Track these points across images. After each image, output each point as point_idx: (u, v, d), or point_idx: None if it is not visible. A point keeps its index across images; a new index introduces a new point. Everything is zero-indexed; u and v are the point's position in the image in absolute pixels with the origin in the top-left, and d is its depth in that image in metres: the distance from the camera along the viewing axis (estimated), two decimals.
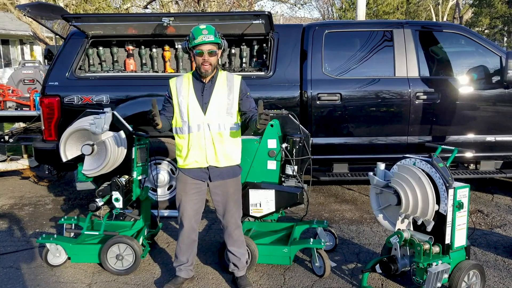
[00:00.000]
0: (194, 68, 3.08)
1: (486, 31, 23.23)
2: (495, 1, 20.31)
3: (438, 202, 2.86)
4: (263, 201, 3.45)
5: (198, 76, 3.02)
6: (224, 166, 3.03)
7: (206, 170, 3.04)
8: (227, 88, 3.01)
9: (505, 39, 24.12)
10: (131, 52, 4.97)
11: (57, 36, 5.79)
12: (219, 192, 3.10)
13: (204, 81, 3.00)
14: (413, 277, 2.92)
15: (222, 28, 4.24)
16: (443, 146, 3.26)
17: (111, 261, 3.43)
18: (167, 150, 4.61)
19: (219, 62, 4.98)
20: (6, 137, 5.45)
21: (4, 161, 6.11)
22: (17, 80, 7.66)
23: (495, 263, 3.58)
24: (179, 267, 3.20)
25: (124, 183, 3.40)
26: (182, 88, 3.01)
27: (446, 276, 2.86)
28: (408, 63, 4.65)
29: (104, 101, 4.46)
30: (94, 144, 3.37)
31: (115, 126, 3.45)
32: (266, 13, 4.17)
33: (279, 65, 4.61)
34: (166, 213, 4.67)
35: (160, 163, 4.69)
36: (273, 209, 3.46)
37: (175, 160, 4.60)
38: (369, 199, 3.46)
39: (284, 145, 3.43)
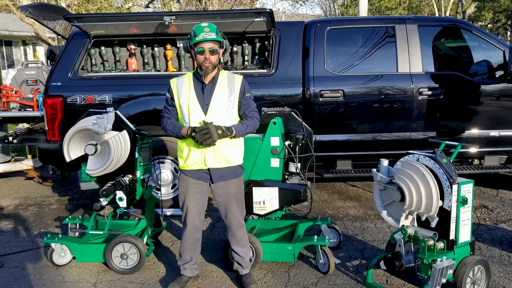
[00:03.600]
0: (195, 67, 3.08)
1: (489, 25, 23.10)
2: None
3: (442, 198, 2.85)
4: (266, 199, 3.45)
5: (199, 76, 3.00)
6: (224, 167, 3.03)
7: (207, 171, 3.03)
8: (228, 88, 2.98)
9: (509, 33, 23.98)
10: (133, 51, 4.97)
11: (59, 37, 5.80)
12: (220, 192, 3.09)
13: (205, 81, 2.99)
14: (418, 273, 2.91)
15: (223, 26, 4.25)
16: (447, 142, 3.24)
17: (116, 260, 3.44)
18: (170, 149, 4.61)
19: (221, 61, 4.98)
20: (10, 138, 5.47)
21: (8, 161, 6.14)
22: (20, 81, 7.69)
23: (500, 258, 3.57)
24: (183, 265, 3.21)
25: (127, 182, 3.41)
26: (183, 89, 2.99)
27: (451, 272, 2.85)
28: (410, 59, 4.63)
29: (107, 101, 4.46)
30: (98, 144, 3.38)
31: (118, 125, 3.45)
32: (268, 10, 4.17)
33: (281, 62, 4.60)
34: (170, 212, 4.68)
35: (163, 162, 4.69)
36: (276, 206, 3.46)
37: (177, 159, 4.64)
38: (373, 195, 3.45)
39: (287, 143, 3.43)
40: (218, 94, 2.97)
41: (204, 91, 2.98)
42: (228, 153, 3.01)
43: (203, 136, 2.80)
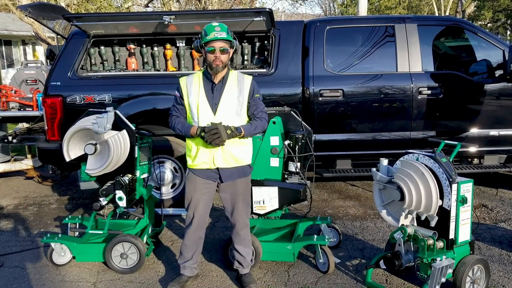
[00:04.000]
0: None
1: (489, 24, 23.10)
2: None
3: (441, 197, 2.86)
4: (266, 198, 3.45)
5: (208, 75, 3.00)
6: (233, 166, 3.03)
7: (216, 170, 3.03)
8: (238, 89, 2.98)
9: (508, 32, 23.99)
10: (132, 51, 4.97)
11: (58, 36, 5.79)
12: (228, 190, 3.09)
13: (215, 80, 2.98)
14: (417, 273, 2.92)
15: None
16: (446, 141, 3.25)
17: (116, 260, 3.44)
18: (175, 150, 4.60)
19: None
20: (10, 138, 5.47)
21: (8, 161, 6.14)
22: (19, 81, 7.68)
23: (500, 258, 3.58)
24: (183, 264, 3.21)
25: (127, 182, 3.41)
26: (192, 88, 2.99)
27: (450, 271, 2.86)
28: (410, 58, 4.63)
29: (107, 101, 4.46)
30: (97, 144, 3.38)
31: (117, 125, 3.45)
32: (267, 10, 4.17)
33: (280, 62, 4.60)
34: (170, 211, 4.68)
35: (163, 162, 4.69)
36: (276, 206, 3.46)
37: (178, 159, 4.64)
38: (372, 195, 3.46)
39: (286, 142, 3.43)
40: (228, 94, 2.97)
41: (213, 90, 2.97)
42: (237, 152, 3.01)
43: (212, 136, 2.80)
